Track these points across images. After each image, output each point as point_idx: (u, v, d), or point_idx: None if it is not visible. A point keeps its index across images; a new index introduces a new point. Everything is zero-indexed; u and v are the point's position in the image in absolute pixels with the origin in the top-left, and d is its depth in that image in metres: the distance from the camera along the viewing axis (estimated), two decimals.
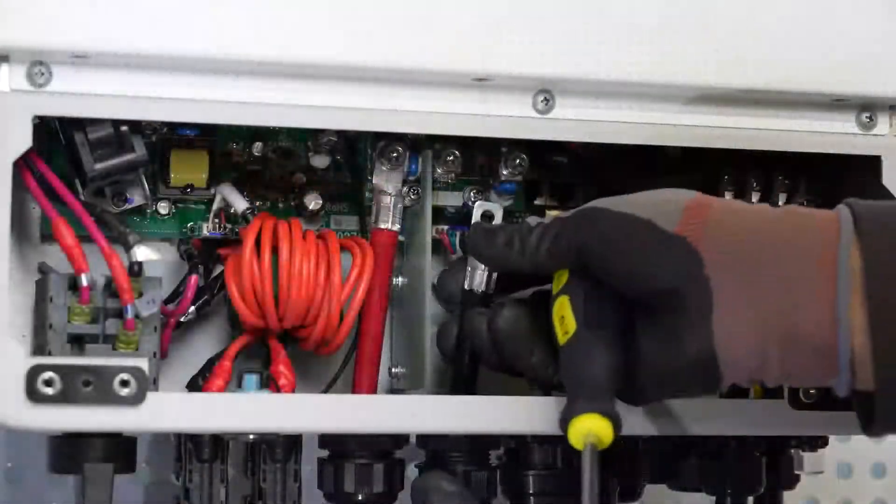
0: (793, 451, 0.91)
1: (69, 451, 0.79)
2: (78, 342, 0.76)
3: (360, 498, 0.83)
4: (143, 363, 0.72)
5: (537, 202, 0.87)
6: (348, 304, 0.80)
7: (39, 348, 0.76)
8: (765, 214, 0.71)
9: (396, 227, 0.83)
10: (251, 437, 0.82)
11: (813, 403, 0.80)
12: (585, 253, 0.72)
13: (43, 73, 0.73)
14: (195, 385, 0.83)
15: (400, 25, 0.75)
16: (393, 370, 0.86)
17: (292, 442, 0.85)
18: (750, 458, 0.89)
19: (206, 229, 0.83)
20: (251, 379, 0.80)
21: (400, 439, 0.84)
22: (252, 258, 0.79)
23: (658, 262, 0.70)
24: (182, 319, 0.82)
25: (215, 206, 0.83)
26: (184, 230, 0.83)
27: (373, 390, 0.83)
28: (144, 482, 1.06)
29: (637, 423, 0.78)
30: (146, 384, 0.72)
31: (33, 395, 0.71)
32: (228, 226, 0.83)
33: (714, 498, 0.92)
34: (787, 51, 0.80)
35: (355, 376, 0.83)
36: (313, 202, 0.84)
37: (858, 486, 1.25)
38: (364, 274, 0.81)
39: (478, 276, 0.81)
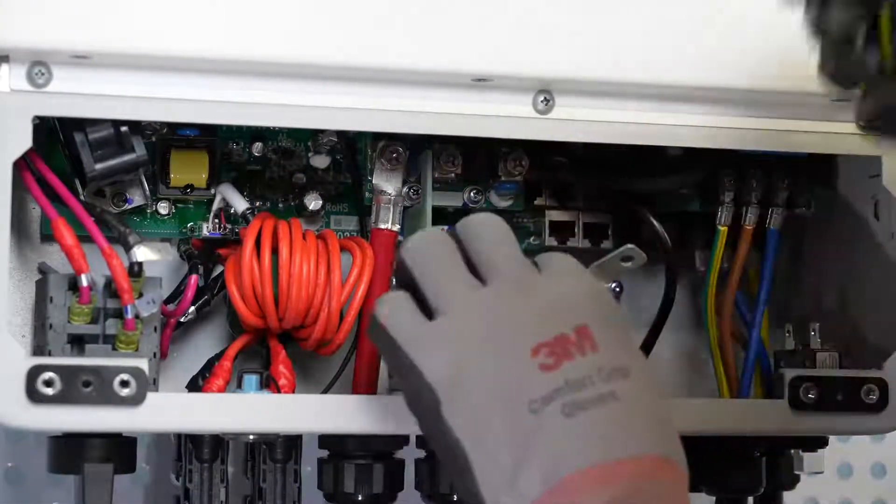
0: (793, 451, 0.91)
1: (69, 451, 0.79)
2: (78, 342, 0.76)
3: (360, 498, 0.83)
4: (143, 363, 0.72)
5: (537, 202, 0.87)
6: (348, 304, 0.80)
7: (39, 348, 0.76)
8: None
9: (396, 227, 0.83)
10: (251, 437, 0.82)
11: (813, 404, 0.80)
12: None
13: (43, 73, 0.72)
14: (195, 385, 0.83)
15: (399, 25, 0.75)
16: None
17: (292, 442, 0.85)
18: (750, 458, 0.89)
19: (206, 229, 0.83)
20: (251, 379, 0.80)
21: (400, 439, 0.84)
22: (252, 258, 0.79)
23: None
24: (182, 319, 0.82)
25: (215, 207, 0.83)
26: (184, 230, 0.83)
27: (373, 390, 0.83)
28: (144, 482, 1.06)
29: None
30: (146, 384, 0.72)
31: (33, 395, 0.71)
32: (228, 226, 0.83)
33: (714, 498, 0.92)
34: (787, 51, 0.80)
35: (355, 376, 0.83)
36: (313, 202, 0.84)
37: (858, 486, 1.25)
38: (364, 274, 0.81)
39: None
